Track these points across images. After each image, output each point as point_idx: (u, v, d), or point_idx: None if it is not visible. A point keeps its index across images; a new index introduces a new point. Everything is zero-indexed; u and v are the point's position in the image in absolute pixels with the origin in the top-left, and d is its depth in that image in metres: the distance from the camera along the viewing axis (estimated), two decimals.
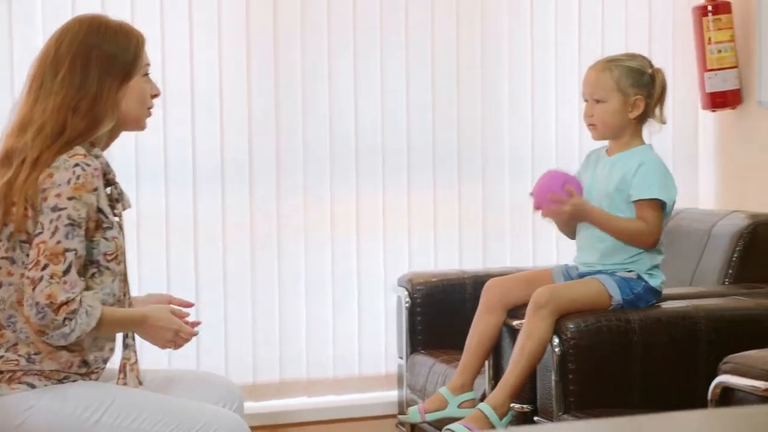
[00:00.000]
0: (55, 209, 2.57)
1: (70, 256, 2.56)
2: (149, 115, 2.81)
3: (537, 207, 3.39)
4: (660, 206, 3.33)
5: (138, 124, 2.80)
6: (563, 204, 3.31)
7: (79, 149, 2.63)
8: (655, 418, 1.89)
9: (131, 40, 2.75)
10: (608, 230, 3.33)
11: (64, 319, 2.55)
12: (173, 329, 2.75)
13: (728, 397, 2.68)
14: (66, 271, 2.55)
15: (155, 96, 2.81)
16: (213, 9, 4.29)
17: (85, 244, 2.61)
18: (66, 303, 2.54)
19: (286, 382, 4.40)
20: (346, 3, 4.42)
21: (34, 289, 2.54)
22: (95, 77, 2.68)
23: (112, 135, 2.81)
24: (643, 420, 1.93)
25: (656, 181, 3.32)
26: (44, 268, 2.54)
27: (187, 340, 2.79)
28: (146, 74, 2.79)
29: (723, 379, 2.68)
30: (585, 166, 3.52)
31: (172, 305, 2.84)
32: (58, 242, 2.55)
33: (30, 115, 2.68)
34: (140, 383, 2.79)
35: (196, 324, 2.82)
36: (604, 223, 3.34)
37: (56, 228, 2.56)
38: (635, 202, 3.32)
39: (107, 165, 2.74)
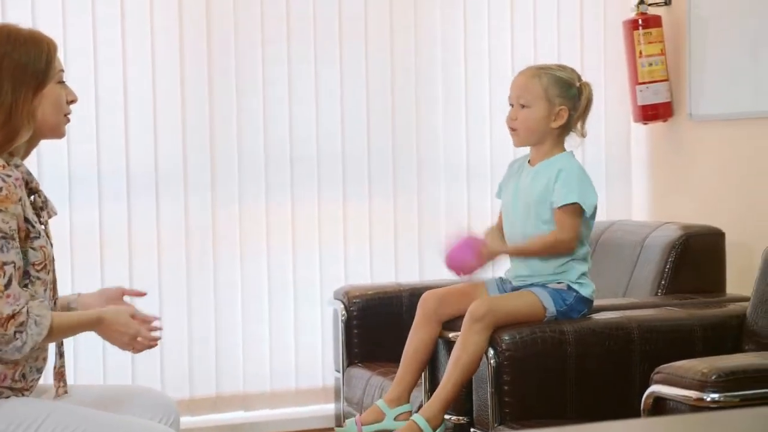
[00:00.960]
0: None
1: (8, 269, 2.52)
2: (67, 121, 2.76)
3: (456, 273, 3.44)
4: (578, 211, 3.35)
5: (56, 132, 2.75)
6: (481, 264, 3.36)
7: None
8: (589, 428, 1.90)
9: (42, 48, 2.71)
10: (529, 255, 3.38)
11: (15, 332, 2.51)
12: (130, 334, 2.71)
13: (660, 406, 2.71)
14: (7, 285, 2.51)
15: (72, 102, 2.77)
16: (146, 18, 4.26)
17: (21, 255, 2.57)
18: (12, 316, 2.50)
19: (223, 396, 4.38)
20: (279, 11, 4.42)
21: None
22: (8, 88, 2.64)
23: (31, 144, 2.76)
24: (578, 430, 1.94)
25: (575, 187, 3.35)
26: None
27: (147, 347, 2.73)
28: (61, 81, 2.75)
29: (655, 389, 2.71)
30: (508, 176, 3.54)
31: (132, 307, 2.78)
32: None
33: None
34: (66, 391, 2.75)
35: (156, 329, 2.77)
36: (522, 253, 3.39)
37: None
38: (556, 209, 3.35)
39: (29, 173, 2.70)
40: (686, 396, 2.62)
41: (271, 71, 4.41)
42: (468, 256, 3.34)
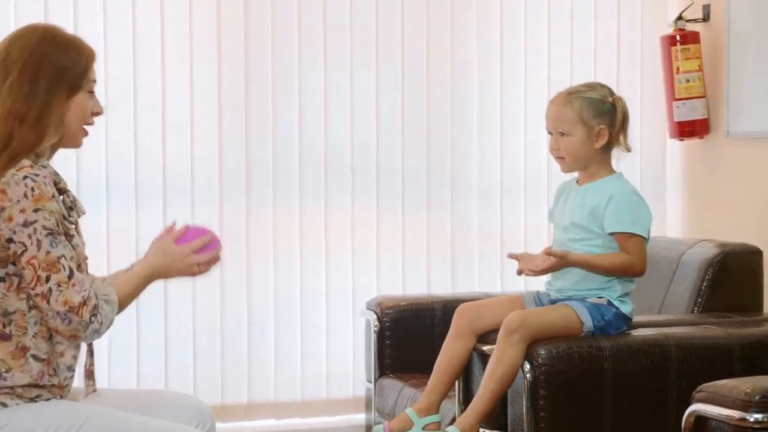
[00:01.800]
0: (26, 224, 2.55)
1: (64, 262, 2.56)
2: (85, 133, 2.77)
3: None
4: (642, 240, 3.35)
5: (74, 141, 2.75)
6: (545, 267, 3.32)
7: (25, 161, 2.61)
8: None
9: (82, 55, 2.72)
10: (596, 271, 3.35)
11: (90, 316, 2.57)
12: (186, 264, 2.71)
13: (702, 425, 2.69)
14: (70, 276, 2.56)
15: (97, 114, 2.78)
16: (185, 24, 4.29)
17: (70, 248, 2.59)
18: (84, 303, 2.56)
19: (254, 403, 4.39)
20: (317, 21, 4.43)
21: (48, 302, 2.54)
22: (44, 88, 2.66)
23: (53, 148, 2.78)
24: None
25: (628, 214, 3.34)
26: (48, 280, 2.54)
27: (211, 264, 2.73)
28: (91, 91, 2.77)
29: (697, 407, 2.69)
30: (557, 200, 3.54)
31: (170, 234, 2.76)
32: (48, 252, 2.55)
33: None
34: (95, 390, 2.77)
35: (210, 241, 2.74)
36: (589, 265, 3.35)
37: (38, 241, 2.55)
38: (614, 234, 3.34)
39: (56, 174, 2.72)
40: (729, 416, 2.60)
41: (308, 79, 4.42)
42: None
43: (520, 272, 3.38)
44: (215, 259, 2.78)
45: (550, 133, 3.46)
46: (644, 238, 3.37)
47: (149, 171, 4.26)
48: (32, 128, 2.63)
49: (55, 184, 2.66)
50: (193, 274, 2.77)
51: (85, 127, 2.74)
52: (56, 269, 2.55)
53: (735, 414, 2.58)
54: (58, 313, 2.55)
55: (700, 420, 2.71)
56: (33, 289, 2.55)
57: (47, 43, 2.69)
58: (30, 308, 2.60)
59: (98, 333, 2.61)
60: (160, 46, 4.26)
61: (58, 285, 2.55)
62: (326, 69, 4.45)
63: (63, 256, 2.57)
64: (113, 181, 4.21)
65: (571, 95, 3.42)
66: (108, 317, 2.61)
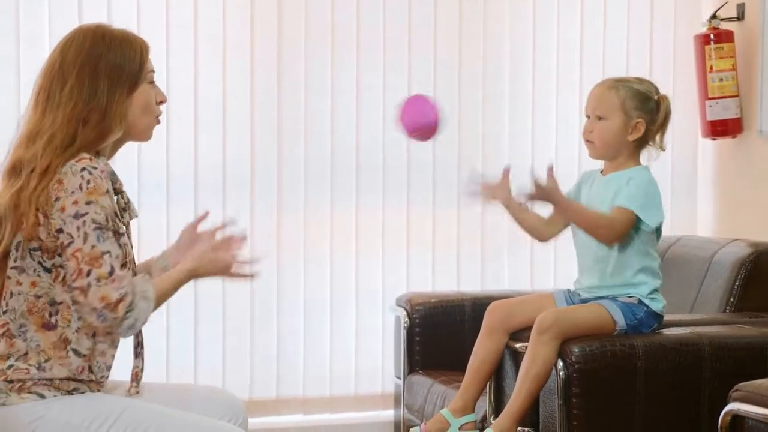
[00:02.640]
0: (77, 216, 2.56)
1: (107, 258, 2.56)
2: (157, 123, 2.79)
3: (409, 133, 3.20)
4: (633, 219, 3.31)
5: (144, 134, 2.78)
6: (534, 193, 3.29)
7: (85, 154, 2.63)
8: None
9: (136, 49, 2.74)
10: (577, 218, 3.32)
11: (126, 312, 2.56)
12: (223, 266, 2.73)
13: (739, 425, 2.68)
14: (111, 272, 2.56)
15: (161, 102, 2.80)
16: (218, 23, 4.30)
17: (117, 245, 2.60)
18: (121, 300, 2.55)
19: (283, 398, 4.39)
20: (349, 20, 4.43)
21: (86, 296, 2.55)
22: (104, 88, 2.67)
23: (116, 145, 2.79)
24: None
25: (639, 197, 3.31)
26: (88, 274, 2.55)
27: (245, 274, 2.76)
28: (152, 81, 2.78)
29: (734, 406, 2.68)
30: (579, 185, 3.52)
31: (210, 238, 2.80)
32: (93, 246, 2.56)
33: (38, 127, 2.67)
34: (137, 391, 2.78)
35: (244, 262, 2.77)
36: (573, 211, 3.33)
37: (86, 234, 2.56)
38: (614, 206, 3.32)
39: (113, 174, 2.74)
40: (766, 415, 2.59)
41: (340, 79, 4.43)
42: (422, 111, 3.12)
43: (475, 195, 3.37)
44: (251, 273, 2.78)
45: (587, 116, 3.44)
46: (640, 226, 3.31)
47: (181, 169, 4.28)
48: (95, 129, 2.65)
49: (112, 183, 2.68)
50: (229, 275, 2.77)
51: (156, 117, 2.77)
52: (98, 264, 2.56)
53: None
54: (94, 309, 2.55)
55: (737, 419, 2.69)
56: (74, 281, 2.56)
57: (100, 43, 2.70)
58: (74, 301, 2.61)
59: (133, 329, 2.61)
60: (193, 46, 4.27)
61: (98, 280, 2.55)
62: (359, 69, 4.45)
63: (108, 252, 2.57)
64: (145, 180, 4.23)
65: (618, 82, 3.42)
66: (144, 314, 2.61)
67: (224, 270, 2.76)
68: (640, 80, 3.48)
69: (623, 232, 3.32)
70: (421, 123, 3.12)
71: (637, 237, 3.35)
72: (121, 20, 4.11)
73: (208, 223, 2.96)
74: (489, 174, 4.54)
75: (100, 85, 2.66)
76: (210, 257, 2.75)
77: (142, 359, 2.80)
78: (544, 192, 3.30)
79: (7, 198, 2.62)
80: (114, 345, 2.72)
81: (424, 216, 4.55)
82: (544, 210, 3.46)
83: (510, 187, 3.41)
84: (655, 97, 3.42)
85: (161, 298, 2.69)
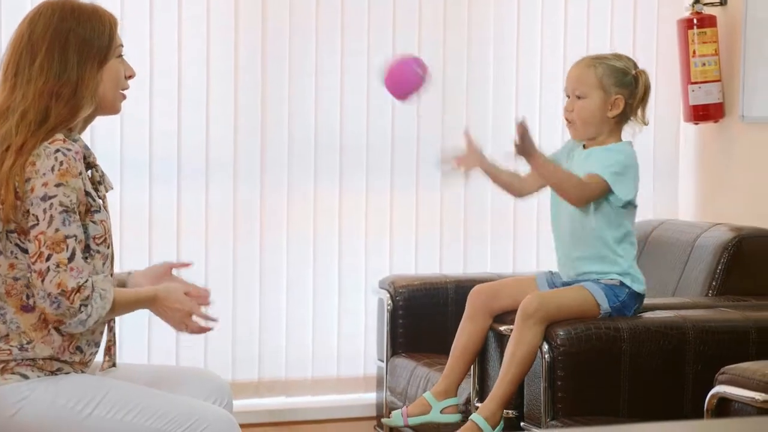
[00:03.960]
0: (45, 198, 2.54)
1: (71, 242, 2.54)
2: (123, 98, 2.77)
3: (395, 94, 3.22)
4: (604, 186, 3.29)
5: (113, 108, 2.76)
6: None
7: (59, 135, 2.61)
8: (653, 427, 1.89)
9: (105, 23, 2.72)
10: (550, 175, 3.32)
11: (80, 305, 2.54)
12: (184, 311, 2.71)
13: (724, 407, 2.69)
14: (71, 258, 2.53)
15: (130, 77, 2.78)
16: (202, 3, 4.26)
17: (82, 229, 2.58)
18: (78, 290, 2.53)
19: (265, 381, 4.38)
20: (334, 3, 4.41)
21: (43, 281, 2.52)
22: (74, 62, 2.65)
23: (87, 120, 2.77)
24: (644, 428, 1.92)
25: (613, 167, 3.30)
26: (48, 258, 2.52)
27: (201, 330, 2.74)
28: (120, 55, 2.76)
29: (720, 389, 2.70)
30: (561, 151, 3.51)
31: (185, 284, 2.79)
32: (57, 230, 2.53)
33: (8, 102, 2.64)
34: (114, 364, 2.76)
35: (210, 319, 2.77)
36: (548, 169, 3.32)
37: (51, 217, 2.54)
38: (588, 173, 3.31)
39: (87, 148, 2.72)
40: (752, 398, 2.60)
41: (324, 60, 4.40)
42: (408, 73, 3.10)
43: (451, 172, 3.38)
44: (204, 330, 2.77)
45: (567, 96, 3.45)
46: (609, 197, 3.30)
47: (164, 150, 4.24)
48: (67, 104, 2.63)
49: (85, 158, 2.65)
50: (177, 330, 2.76)
51: (123, 92, 2.75)
52: (60, 249, 2.53)
53: (759, 396, 2.58)
54: (49, 294, 2.52)
55: (723, 402, 2.71)
56: (33, 264, 2.54)
57: (69, 17, 2.68)
58: (30, 285, 2.58)
59: (84, 324, 2.57)
60: (177, 27, 4.23)
61: (57, 265, 2.52)
62: (343, 51, 4.42)
63: (73, 236, 2.55)
64: (127, 160, 4.20)
65: (596, 60, 3.43)
66: (98, 312, 2.57)
67: (183, 316, 2.72)
68: (618, 56, 3.48)
69: (592, 197, 3.31)
70: (406, 89, 3.10)
71: (609, 208, 3.34)
72: (103, 2, 4.08)
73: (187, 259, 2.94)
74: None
75: (70, 59, 2.64)
76: (177, 297, 2.72)
77: (114, 333, 2.77)
78: (520, 147, 3.27)
79: None
80: (104, 322, 2.70)
81: (408, 198, 4.54)
82: (522, 168, 3.47)
83: (478, 149, 3.40)
84: (633, 72, 3.42)
85: (118, 307, 2.65)
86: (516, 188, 3.52)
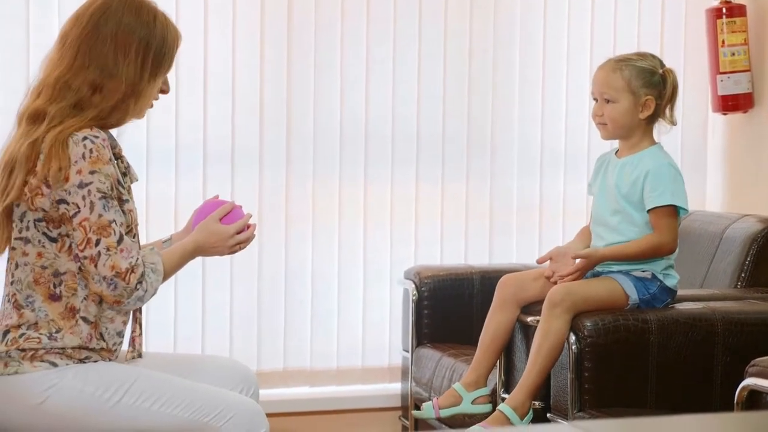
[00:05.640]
0: (81, 186, 2.55)
1: (115, 227, 2.56)
2: (151, 106, 2.78)
3: None
4: (674, 211, 3.32)
5: (140, 114, 2.77)
6: (574, 271, 3.30)
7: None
8: (682, 419, 1.87)
9: (176, 41, 2.73)
10: (625, 259, 3.32)
11: (137, 283, 2.57)
12: (228, 245, 2.76)
13: (755, 400, 2.67)
14: (119, 240, 2.57)
15: (164, 92, 2.78)
16: None
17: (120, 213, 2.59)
18: (132, 269, 2.56)
19: (290, 371, 4.38)
20: None
21: (96, 266, 2.54)
22: (148, 77, 2.65)
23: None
24: (673, 421, 1.90)
25: (667, 187, 3.30)
26: (97, 243, 2.54)
27: (248, 243, 2.79)
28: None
29: (750, 381, 2.67)
30: (596, 172, 3.50)
31: (218, 212, 2.78)
32: (100, 215, 2.55)
33: (66, 77, 2.62)
34: (140, 355, 2.77)
35: (248, 221, 2.78)
36: (617, 256, 3.32)
37: (92, 203, 2.55)
38: (649, 211, 3.31)
39: (113, 138, 2.72)
40: None
41: (349, 51, 4.39)
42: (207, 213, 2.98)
43: (549, 277, 3.35)
44: (252, 238, 2.79)
45: (595, 99, 3.42)
46: (682, 209, 3.32)
47: (190, 140, 4.24)
48: (116, 105, 2.64)
49: (111, 148, 2.65)
50: (233, 253, 2.81)
51: (152, 101, 2.75)
52: (107, 233, 2.55)
53: None
54: (104, 277, 2.55)
55: (754, 394, 2.68)
56: (82, 251, 2.55)
57: (151, 25, 2.66)
58: (80, 270, 2.60)
59: (142, 300, 2.62)
60: (203, 17, 4.23)
61: (107, 249, 2.54)
62: (368, 41, 4.41)
63: (114, 221, 2.57)
64: (153, 149, 4.20)
65: (621, 62, 3.38)
66: (153, 286, 2.62)
67: (229, 243, 2.75)
68: (643, 56, 3.43)
69: (675, 230, 3.30)
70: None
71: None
72: None
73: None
74: (499, 146, 4.55)
75: (134, 62, 2.63)
76: (213, 230, 2.74)
77: (140, 324, 2.78)
78: (585, 266, 3.31)
79: (24, 147, 2.59)
80: (122, 311, 2.70)
81: (433, 189, 4.52)
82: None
83: (576, 267, 3.34)
84: (660, 71, 3.38)
85: (169, 272, 2.71)
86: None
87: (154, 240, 3.03)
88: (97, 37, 2.62)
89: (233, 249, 2.79)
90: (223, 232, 2.76)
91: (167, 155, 4.22)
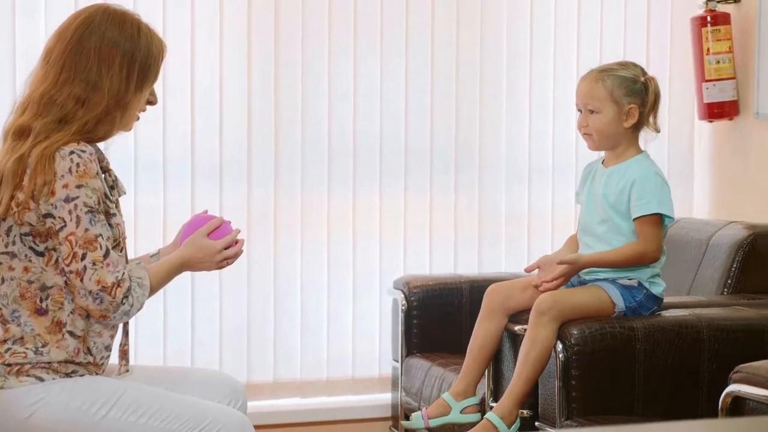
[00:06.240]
0: (68, 200, 2.55)
1: (101, 241, 2.56)
2: (138, 119, 2.78)
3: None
4: (659, 220, 3.33)
5: (127, 127, 2.77)
6: (558, 277, 3.31)
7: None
8: (668, 426, 1.88)
9: (161, 52, 2.73)
10: (608, 266, 3.33)
11: (123, 298, 2.58)
12: (215, 261, 2.78)
13: (738, 406, 2.68)
14: (105, 255, 2.57)
15: (151, 103, 2.78)
16: (215, 5, 4.27)
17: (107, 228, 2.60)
18: (118, 284, 2.57)
19: (280, 382, 4.39)
20: (347, 4, 4.41)
21: (82, 280, 2.55)
22: (133, 88, 2.66)
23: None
24: (659, 428, 1.91)
25: (654, 196, 3.31)
26: (83, 257, 2.55)
27: (236, 258, 2.81)
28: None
29: (734, 388, 2.69)
30: (583, 181, 3.52)
31: (206, 227, 2.79)
32: (86, 230, 2.55)
33: (51, 93, 2.62)
34: (127, 370, 2.77)
35: (237, 236, 2.79)
36: (601, 263, 3.34)
37: (78, 217, 2.55)
38: (635, 219, 3.32)
39: (100, 152, 2.72)
40: (767, 396, 2.59)
41: (337, 63, 4.41)
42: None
43: (537, 286, 3.36)
44: (239, 253, 2.80)
45: (579, 110, 3.43)
46: (667, 217, 3.33)
47: (178, 152, 4.25)
48: (111, 123, 2.64)
49: (99, 161, 2.66)
50: (220, 268, 2.83)
51: (139, 113, 2.76)
52: (93, 247, 2.55)
53: None
54: (90, 291, 2.55)
55: (737, 401, 2.70)
56: (68, 265, 2.56)
57: (135, 37, 2.67)
58: (66, 284, 2.60)
59: (128, 315, 2.63)
60: (190, 31, 4.24)
61: (93, 263, 2.55)
62: (356, 53, 4.43)
63: (101, 235, 2.57)
64: (141, 162, 4.21)
65: (603, 72, 3.39)
66: (139, 300, 2.63)
67: (215, 259, 2.76)
68: (624, 65, 3.45)
69: (660, 239, 3.32)
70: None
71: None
72: (119, 2, 4.09)
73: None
74: (487, 159, 4.56)
75: (118, 74, 2.64)
76: (200, 245, 2.75)
77: (128, 335, 2.78)
78: (569, 272, 3.32)
79: (10, 162, 2.59)
80: (110, 325, 2.71)
81: (421, 200, 4.54)
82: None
83: (559, 272, 3.34)
84: (642, 79, 3.40)
85: (156, 287, 2.71)
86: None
87: (141, 254, 3.03)
88: (81, 52, 2.63)
89: (220, 264, 2.80)
90: (210, 247, 2.77)
91: (155, 168, 4.23)
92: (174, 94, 4.22)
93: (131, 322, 2.80)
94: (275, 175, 4.36)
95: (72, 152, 2.57)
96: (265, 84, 4.34)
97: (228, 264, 2.82)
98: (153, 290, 2.70)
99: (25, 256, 2.61)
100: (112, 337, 2.72)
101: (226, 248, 2.79)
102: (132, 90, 2.67)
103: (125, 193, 2.81)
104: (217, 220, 2.81)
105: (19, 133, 2.62)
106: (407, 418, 3.88)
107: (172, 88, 4.21)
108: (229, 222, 2.84)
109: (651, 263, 3.34)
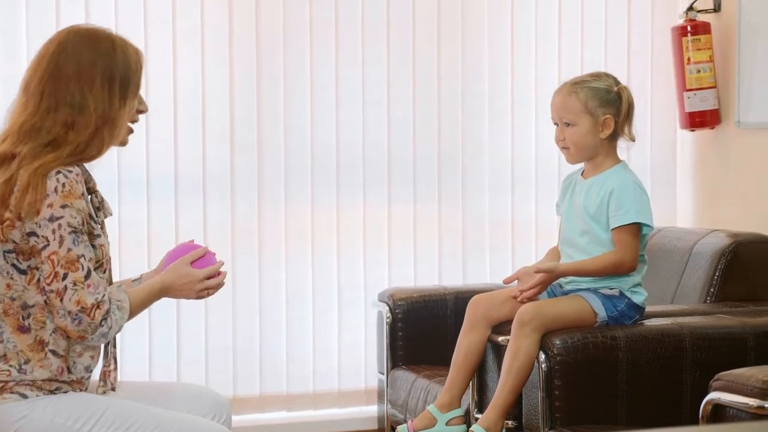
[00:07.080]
0: (52, 219, 2.56)
1: (83, 262, 2.56)
2: (131, 131, 2.79)
3: None
4: (637, 229, 3.35)
5: (122, 140, 2.78)
6: (535, 285, 3.33)
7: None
8: None
9: (136, 59, 2.73)
10: (585, 275, 3.35)
11: (101, 320, 2.58)
12: (196, 290, 2.77)
13: (719, 413, 2.70)
14: (87, 276, 2.57)
15: (142, 112, 2.79)
16: (196, 20, 4.29)
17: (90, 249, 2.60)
18: (97, 305, 2.57)
19: (266, 396, 4.39)
20: (328, 16, 4.43)
21: (62, 300, 2.55)
22: (104, 96, 2.66)
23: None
24: None
25: (632, 205, 3.33)
26: (64, 277, 2.55)
27: (217, 289, 2.81)
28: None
29: (714, 395, 2.70)
30: (563, 192, 3.53)
31: (190, 255, 2.79)
32: (69, 250, 2.55)
33: (32, 121, 2.63)
34: (113, 389, 2.77)
35: (220, 268, 2.80)
36: (579, 272, 3.36)
37: (61, 237, 2.55)
38: (613, 230, 3.34)
39: (87, 173, 2.73)
40: (747, 404, 2.60)
41: (319, 75, 4.42)
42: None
43: (516, 297, 3.37)
44: (221, 285, 2.81)
45: (555, 123, 3.45)
46: (646, 225, 3.35)
47: (161, 167, 4.26)
48: (101, 141, 2.65)
49: (86, 182, 2.67)
50: (200, 298, 2.82)
51: (131, 125, 2.76)
52: (75, 268, 2.56)
53: (753, 402, 2.59)
54: (69, 312, 2.55)
55: (718, 408, 2.71)
56: (49, 284, 2.56)
57: (110, 52, 2.67)
58: (46, 303, 2.60)
59: (105, 337, 2.62)
60: (171, 42, 4.26)
61: (74, 284, 2.55)
62: (338, 64, 4.45)
63: (83, 255, 2.57)
64: (125, 178, 4.22)
65: (576, 85, 3.41)
66: (118, 323, 2.63)
67: (198, 294, 2.77)
68: (597, 76, 3.47)
69: (636, 249, 3.33)
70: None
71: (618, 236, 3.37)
72: (99, 18, 4.10)
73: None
74: (471, 171, 4.58)
75: (101, 92, 2.64)
76: (183, 272, 2.75)
77: (115, 359, 2.77)
78: (546, 280, 3.34)
79: None
80: (90, 347, 2.71)
81: (406, 211, 4.55)
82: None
83: (537, 280, 3.35)
84: (615, 89, 3.41)
85: (135, 310, 2.70)
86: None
87: (126, 270, 3.03)
88: (60, 78, 2.64)
89: (201, 294, 2.79)
90: (193, 275, 2.77)
91: (138, 182, 4.23)
92: (156, 108, 4.23)
93: (117, 337, 2.81)
94: (258, 188, 4.37)
95: (59, 172, 2.58)
96: (247, 97, 4.36)
97: (209, 294, 2.81)
98: (132, 314, 2.69)
99: (8, 273, 2.61)
100: (92, 357, 2.71)
101: (209, 278, 2.79)
102: (117, 105, 2.67)
103: (111, 215, 2.81)
104: (201, 250, 2.82)
105: (2, 160, 2.63)
106: (393, 430, 3.88)
107: (154, 103, 4.21)
108: (214, 253, 2.84)
109: (628, 272, 3.36)
